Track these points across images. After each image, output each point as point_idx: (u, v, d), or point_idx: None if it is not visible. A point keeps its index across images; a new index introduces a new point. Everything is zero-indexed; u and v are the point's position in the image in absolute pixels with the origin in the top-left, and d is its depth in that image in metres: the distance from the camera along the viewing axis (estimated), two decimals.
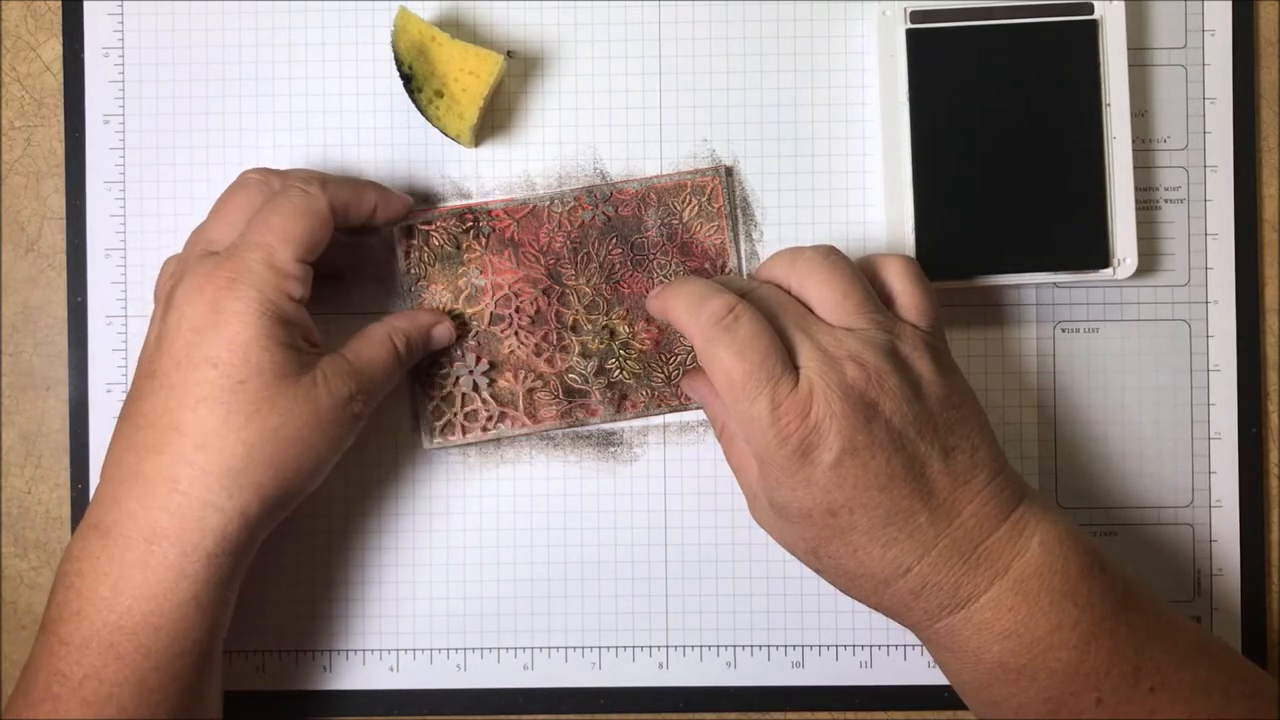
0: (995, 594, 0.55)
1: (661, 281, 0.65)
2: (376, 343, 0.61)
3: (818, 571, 0.59)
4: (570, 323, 0.65)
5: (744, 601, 0.66)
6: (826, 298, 0.58)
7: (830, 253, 0.60)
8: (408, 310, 0.65)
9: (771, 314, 0.58)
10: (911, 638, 0.66)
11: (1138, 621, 0.56)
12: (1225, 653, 0.57)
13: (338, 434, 0.58)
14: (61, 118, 0.67)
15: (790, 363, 0.56)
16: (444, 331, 0.64)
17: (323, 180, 0.60)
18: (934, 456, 0.56)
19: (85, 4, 0.66)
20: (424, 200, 0.66)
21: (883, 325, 0.57)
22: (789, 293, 0.60)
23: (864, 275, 0.59)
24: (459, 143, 0.64)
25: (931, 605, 0.56)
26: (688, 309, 0.58)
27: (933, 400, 0.56)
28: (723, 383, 0.56)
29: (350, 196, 0.60)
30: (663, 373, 0.66)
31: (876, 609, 0.58)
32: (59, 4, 0.67)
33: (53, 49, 0.67)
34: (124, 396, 0.65)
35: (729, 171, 0.66)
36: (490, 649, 0.66)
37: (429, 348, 0.64)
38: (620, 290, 0.65)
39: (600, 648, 0.66)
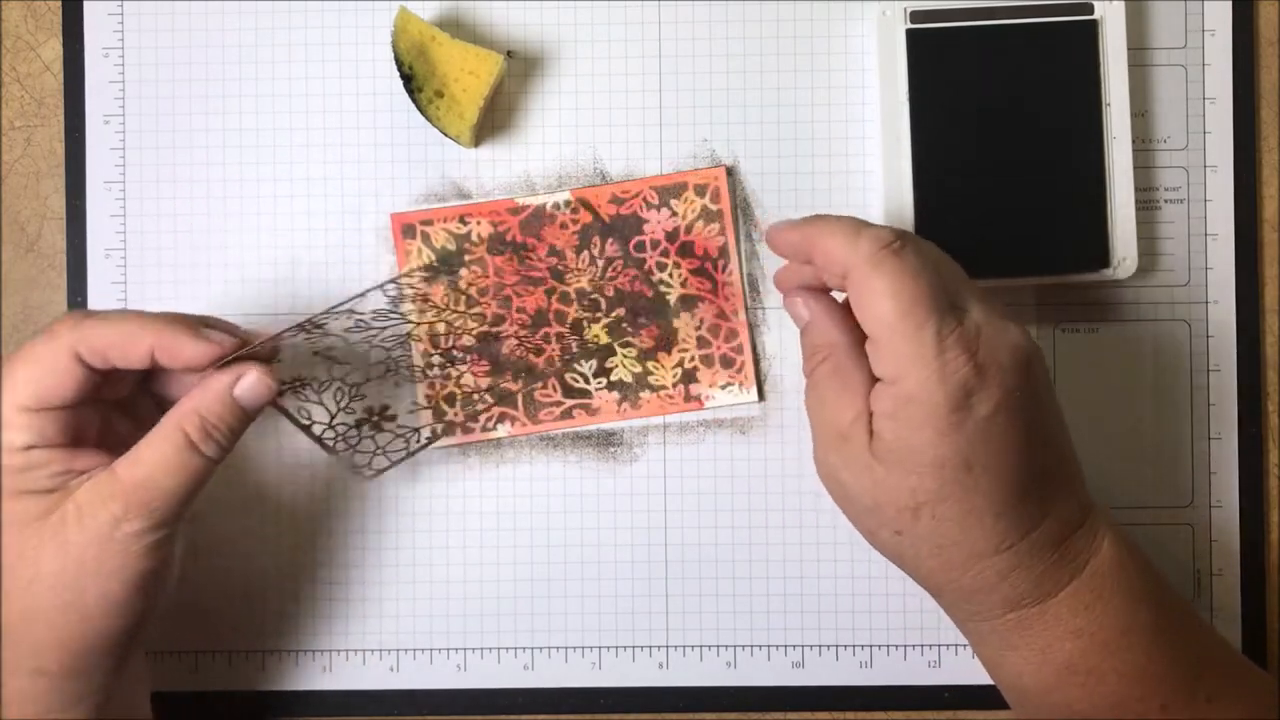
0: (1073, 589, 0.54)
1: (663, 282, 0.65)
2: (159, 439, 0.54)
3: (888, 537, 0.56)
4: (570, 322, 0.66)
5: (744, 601, 0.66)
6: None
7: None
8: (197, 387, 0.56)
9: (936, 268, 0.54)
10: (911, 638, 0.66)
11: (1194, 630, 0.56)
12: (1259, 672, 0.58)
13: (118, 565, 0.53)
14: (61, 118, 0.67)
15: (954, 304, 0.54)
16: (250, 388, 0.56)
17: (78, 321, 0.54)
18: (1049, 436, 0.55)
19: (85, 4, 0.66)
20: (424, 200, 0.66)
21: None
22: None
23: None
24: (459, 143, 0.64)
25: (1015, 591, 0.54)
26: (845, 237, 0.54)
27: (1049, 386, 0.56)
28: (884, 309, 0.53)
29: (115, 339, 0.54)
30: (664, 372, 0.66)
31: (940, 591, 0.57)
32: (59, 4, 0.67)
33: (53, 49, 0.67)
34: None
35: (729, 171, 0.66)
36: (490, 649, 0.66)
37: (242, 417, 0.56)
38: (621, 290, 0.66)
39: (600, 648, 0.66)
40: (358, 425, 0.64)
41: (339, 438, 0.62)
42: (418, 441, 0.64)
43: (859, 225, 0.54)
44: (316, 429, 0.61)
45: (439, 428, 0.65)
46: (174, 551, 0.56)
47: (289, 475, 0.66)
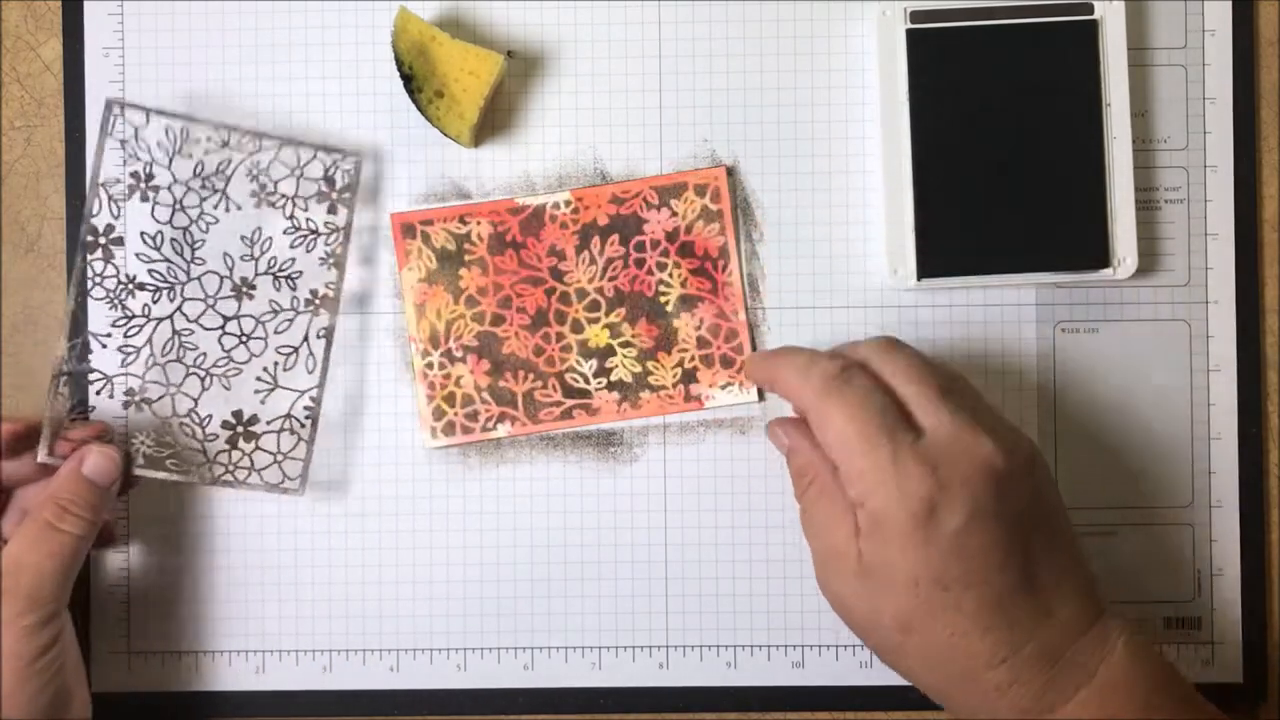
0: (1082, 699, 0.54)
1: (663, 282, 0.65)
2: (23, 530, 0.58)
3: (890, 652, 0.57)
4: (570, 322, 0.66)
5: (744, 601, 0.66)
6: (961, 382, 0.59)
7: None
8: (51, 480, 0.60)
9: (905, 375, 0.57)
10: None
11: None
12: None
13: (12, 651, 0.56)
14: (61, 118, 0.67)
15: (909, 423, 0.55)
16: (96, 465, 0.60)
17: None
18: (1042, 544, 0.55)
19: (85, 4, 0.66)
20: (424, 200, 0.66)
21: (986, 410, 0.58)
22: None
23: None
24: (459, 143, 0.64)
25: (1018, 704, 0.54)
26: (799, 372, 0.58)
27: (1041, 482, 0.56)
28: (838, 436, 0.55)
29: None
30: (664, 371, 0.66)
31: (947, 703, 0.57)
32: (59, 4, 0.67)
33: (53, 49, 0.67)
34: None
35: (729, 171, 0.66)
36: (490, 649, 0.66)
37: (97, 493, 0.60)
38: (621, 290, 0.66)
39: (600, 648, 0.66)
40: (231, 444, 0.64)
41: (230, 467, 0.64)
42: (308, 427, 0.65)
43: (811, 359, 0.58)
44: (204, 471, 0.64)
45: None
46: (64, 631, 0.59)
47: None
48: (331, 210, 0.65)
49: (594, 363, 0.66)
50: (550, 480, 0.67)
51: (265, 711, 0.66)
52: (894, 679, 0.65)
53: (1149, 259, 0.66)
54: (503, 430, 0.66)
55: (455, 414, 0.66)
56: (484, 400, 0.66)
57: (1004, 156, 0.63)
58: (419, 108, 0.63)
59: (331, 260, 0.65)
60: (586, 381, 0.66)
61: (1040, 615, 0.54)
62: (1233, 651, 0.66)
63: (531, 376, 0.66)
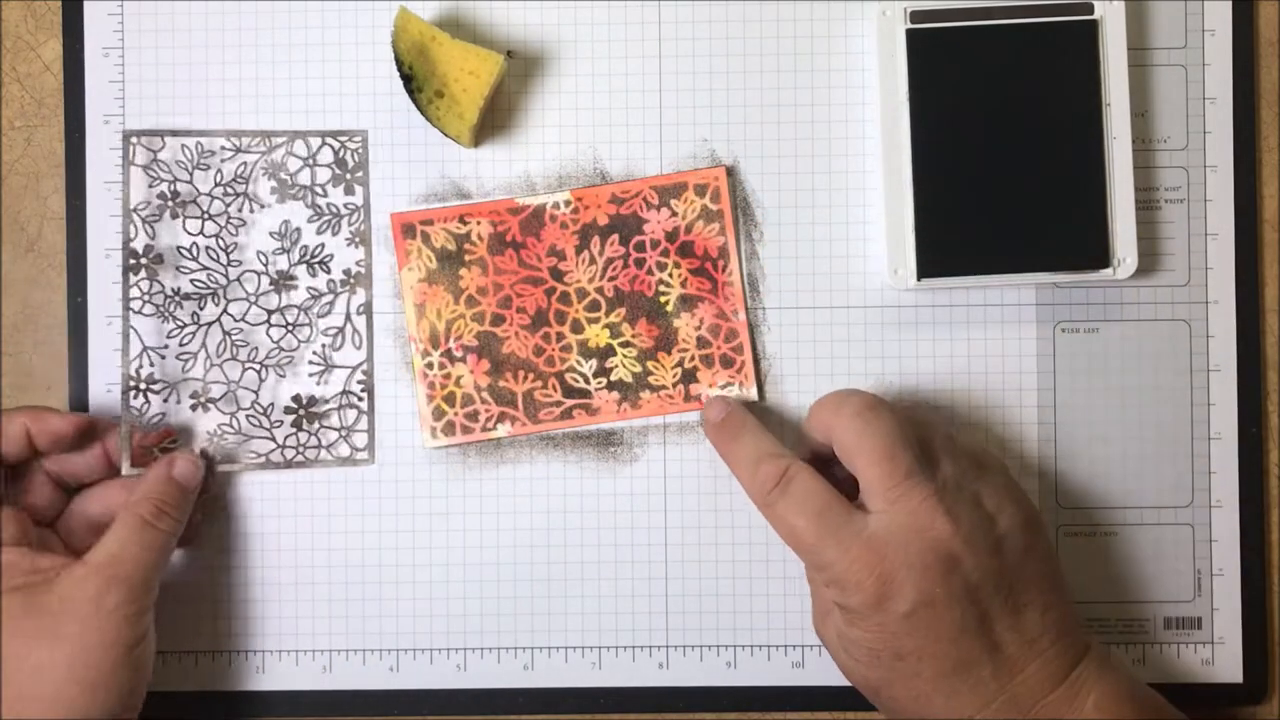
0: None
1: (663, 282, 0.65)
2: (119, 525, 0.60)
3: (871, 699, 0.60)
4: (570, 322, 0.66)
5: (744, 601, 0.66)
6: (940, 439, 0.60)
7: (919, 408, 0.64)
8: (141, 479, 0.63)
9: (872, 444, 0.58)
10: None
11: None
12: None
13: (110, 639, 0.58)
14: (61, 118, 0.67)
15: (850, 505, 0.58)
16: (183, 470, 0.63)
17: None
18: (1005, 612, 0.57)
19: (85, 4, 0.66)
20: (424, 200, 0.66)
21: (973, 476, 0.59)
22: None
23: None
24: (459, 143, 0.64)
25: None
26: (745, 473, 0.61)
27: (1013, 555, 0.57)
28: (789, 541, 0.59)
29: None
30: (664, 371, 0.66)
31: None
32: (59, 4, 0.67)
33: (53, 49, 0.67)
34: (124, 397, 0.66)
35: (729, 171, 0.66)
36: (490, 649, 0.66)
37: (183, 494, 0.63)
38: (621, 289, 0.66)
39: (600, 648, 0.66)
40: (297, 427, 0.66)
41: (300, 448, 0.66)
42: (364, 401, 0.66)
43: (755, 460, 0.60)
44: (275, 457, 0.66)
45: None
46: (151, 625, 0.61)
47: (288, 477, 0.66)
48: (349, 191, 0.66)
49: (594, 363, 0.66)
50: (550, 480, 0.67)
51: (265, 711, 0.66)
52: None
53: (1149, 259, 0.66)
54: (503, 430, 0.66)
55: (455, 414, 0.66)
56: (484, 400, 0.66)
57: (1004, 156, 0.63)
58: (419, 108, 0.63)
59: (357, 239, 0.66)
60: (586, 381, 0.66)
61: (1005, 677, 0.56)
62: (1233, 651, 0.66)
63: (531, 376, 0.66)
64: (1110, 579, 0.66)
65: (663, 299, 0.65)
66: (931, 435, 0.60)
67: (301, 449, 0.66)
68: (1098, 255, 0.64)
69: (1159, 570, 0.66)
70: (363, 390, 0.66)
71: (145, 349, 0.66)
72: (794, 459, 0.60)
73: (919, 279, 0.64)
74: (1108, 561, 0.66)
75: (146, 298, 0.66)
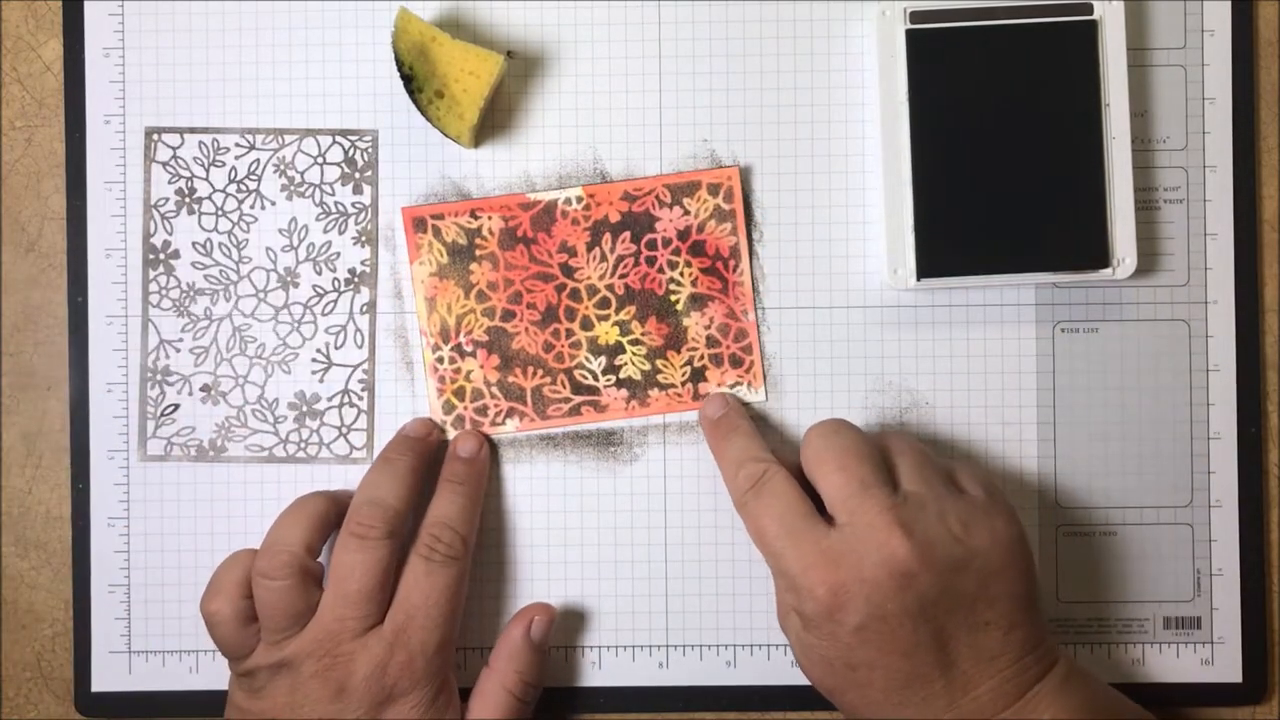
0: None
1: (674, 281, 0.65)
2: (492, 704, 0.63)
3: (829, 699, 0.60)
4: (580, 319, 0.66)
5: (744, 601, 0.66)
6: (897, 461, 0.60)
7: (905, 432, 0.64)
8: (501, 643, 0.65)
9: (840, 462, 0.59)
10: None
11: None
12: None
13: None
14: (62, 118, 0.67)
15: (818, 516, 0.58)
16: (541, 628, 0.65)
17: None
18: (963, 630, 0.57)
19: (85, 4, 0.66)
20: (425, 201, 0.66)
21: (944, 493, 0.59)
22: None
23: (933, 454, 0.62)
24: (459, 143, 0.64)
25: None
26: (728, 471, 0.62)
27: (980, 574, 0.57)
28: (757, 542, 0.60)
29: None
30: (672, 370, 0.66)
31: None
32: (59, 4, 0.67)
33: (53, 49, 0.67)
34: (124, 397, 0.66)
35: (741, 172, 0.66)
36: (490, 648, 0.66)
37: (540, 667, 0.65)
38: (631, 287, 0.66)
39: (600, 647, 0.66)
40: (298, 423, 0.67)
41: (302, 444, 0.67)
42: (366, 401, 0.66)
43: (739, 460, 0.62)
44: (279, 448, 0.67)
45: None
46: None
47: (289, 476, 0.66)
48: (357, 190, 0.66)
49: (603, 360, 0.66)
50: (550, 480, 0.66)
51: None
52: None
53: (1148, 259, 0.66)
54: (511, 425, 0.66)
55: (465, 408, 0.66)
56: (493, 395, 0.66)
57: (1003, 156, 0.63)
58: (419, 108, 0.63)
59: (364, 238, 0.66)
60: (595, 379, 0.66)
61: (957, 693, 0.56)
62: (1233, 651, 0.66)
63: (540, 372, 0.66)
64: (1110, 579, 0.66)
65: (673, 297, 0.65)
66: (902, 452, 0.60)
67: (303, 445, 0.66)
68: (1097, 255, 0.64)
69: (1158, 570, 0.66)
70: (363, 389, 0.66)
71: (162, 342, 0.66)
72: (775, 463, 0.60)
73: (919, 279, 0.64)
74: (1107, 561, 0.66)
75: (164, 292, 0.66)
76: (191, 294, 0.66)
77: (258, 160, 0.66)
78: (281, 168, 0.66)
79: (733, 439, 0.63)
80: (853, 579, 0.56)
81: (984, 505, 0.59)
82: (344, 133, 0.66)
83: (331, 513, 0.62)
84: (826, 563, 0.56)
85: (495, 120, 0.66)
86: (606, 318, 0.66)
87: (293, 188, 0.66)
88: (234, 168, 0.66)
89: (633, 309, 0.65)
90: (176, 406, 0.66)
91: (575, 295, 0.66)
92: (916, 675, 0.56)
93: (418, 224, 0.66)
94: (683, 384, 0.66)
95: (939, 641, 0.56)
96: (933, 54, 0.63)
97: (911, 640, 0.56)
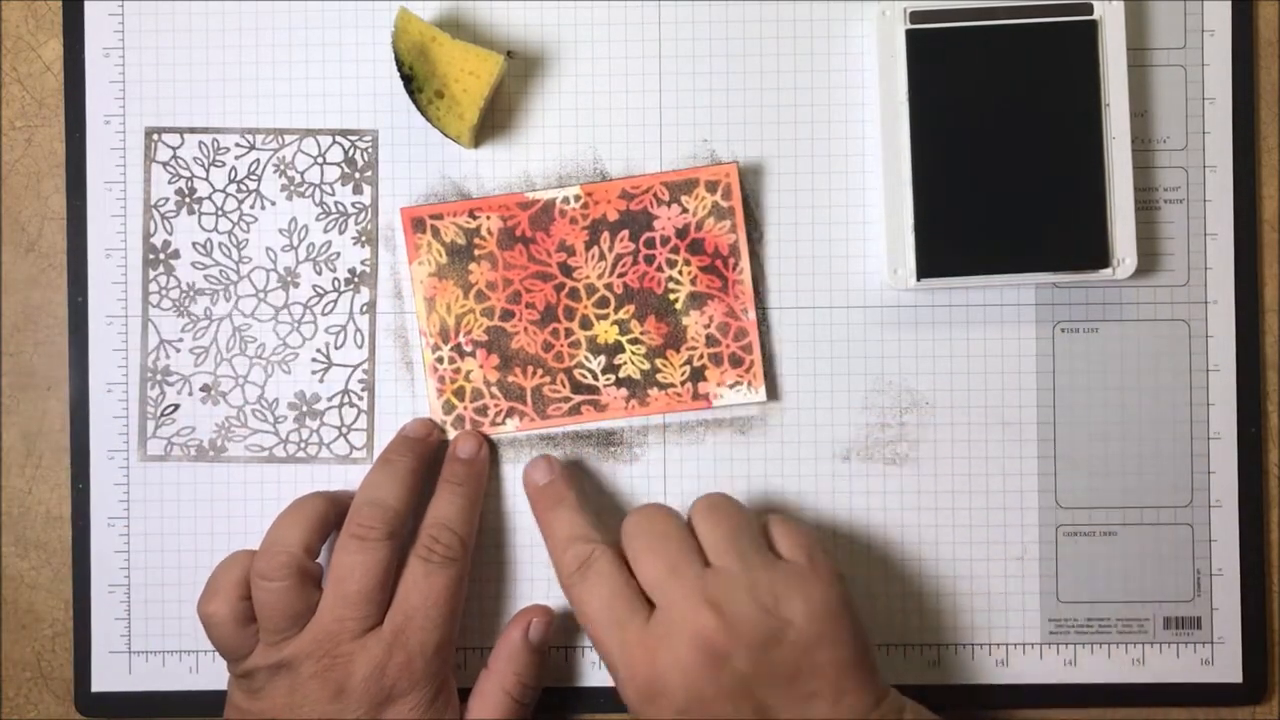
0: None
1: (673, 279, 0.65)
2: (491, 705, 0.62)
3: None
4: (579, 318, 0.66)
5: None
6: (705, 534, 0.60)
7: (719, 497, 0.62)
8: (500, 645, 0.64)
9: (648, 544, 0.59)
10: (910, 637, 0.66)
11: None
12: None
13: None
14: (62, 118, 0.67)
15: (644, 603, 0.58)
16: (540, 630, 0.64)
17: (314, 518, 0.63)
18: (787, 702, 0.56)
19: (85, 4, 0.66)
20: (425, 201, 0.66)
21: (756, 565, 0.58)
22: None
23: (749, 517, 0.61)
24: (459, 143, 0.64)
25: None
26: (555, 551, 0.62)
27: (798, 646, 0.56)
28: (581, 623, 0.60)
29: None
30: (672, 369, 0.66)
31: None
32: (59, 4, 0.67)
33: (53, 49, 0.67)
34: (124, 397, 0.66)
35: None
36: (490, 648, 0.66)
37: (538, 670, 0.64)
38: (630, 286, 0.65)
39: None
40: (298, 423, 0.67)
41: (302, 444, 0.67)
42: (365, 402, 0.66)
43: (567, 541, 0.61)
44: (279, 448, 0.67)
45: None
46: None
47: (289, 476, 0.66)
48: (357, 190, 0.66)
49: (602, 359, 0.66)
50: None
51: None
52: (893, 679, 0.66)
53: (1148, 259, 0.66)
54: (511, 425, 0.66)
55: (465, 408, 0.66)
56: (493, 395, 0.66)
57: (1003, 156, 0.63)
58: (419, 108, 0.63)
59: (364, 238, 0.66)
60: (595, 378, 0.66)
61: None
62: (1233, 651, 0.66)
63: (540, 372, 0.66)
64: (1110, 579, 0.66)
65: (672, 296, 0.65)
66: (714, 525, 0.60)
67: (303, 445, 0.66)
68: (1097, 255, 0.64)
69: (1158, 570, 0.66)
70: (363, 389, 0.66)
71: (162, 341, 0.66)
72: (601, 544, 0.60)
73: (919, 279, 0.64)
74: (1107, 561, 0.66)
75: (164, 292, 0.66)
76: (191, 294, 0.66)
77: (258, 160, 0.66)
78: (281, 168, 0.66)
79: (559, 512, 0.63)
80: (668, 664, 0.56)
81: (799, 572, 0.58)
82: (344, 133, 0.66)
83: (330, 513, 0.62)
84: (644, 650, 0.56)
85: (495, 120, 0.66)
86: (605, 317, 0.66)
87: (293, 188, 0.66)
88: (234, 168, 0.66)
89: (632, 308, 0.65)
90: (176, 406, 0.66)
91: (574, 294, 0.66)
92: None
93: (416, 224, 0.66)
94: (682, 383, 0.66)
95: (763, 717, 0.56)
96: (933, 54, 0.63)
97: (733, 719, 0.56)
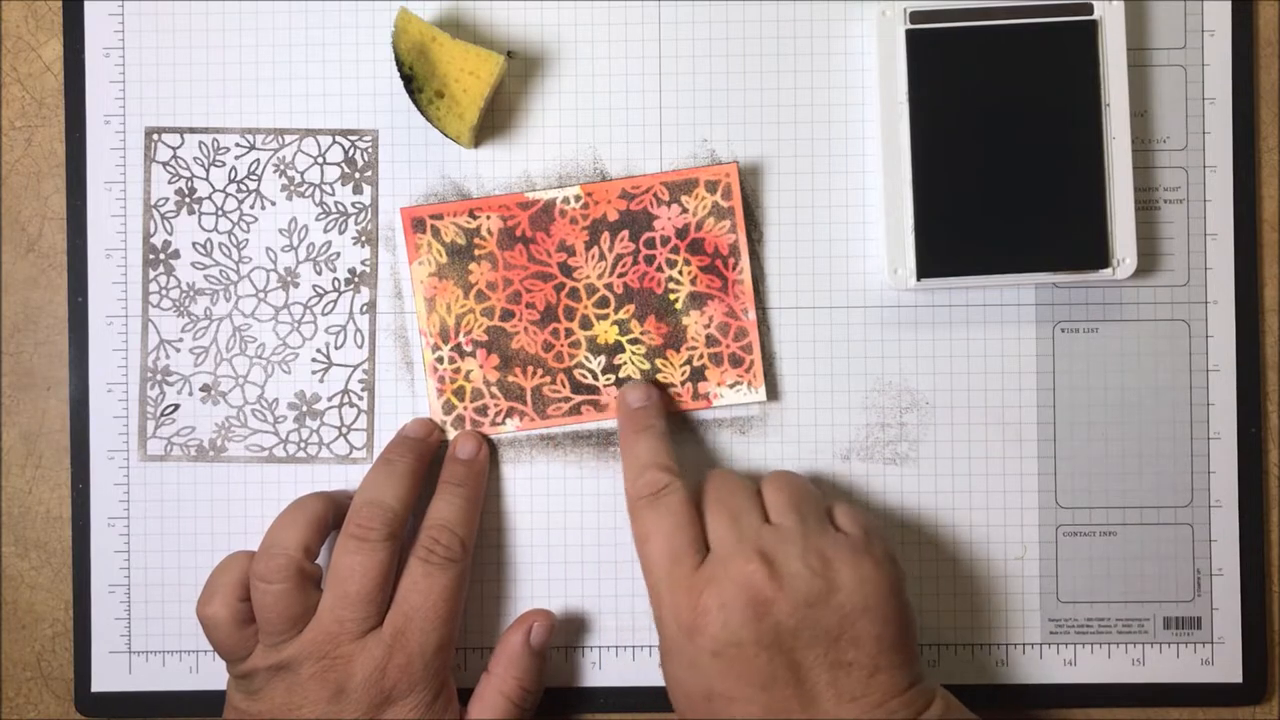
0: None
1: (673, 279, 0.65)
2: (490, 709, 0.63)
3: None
4: (579, 318, 0.66)
5: None
6: (770, 496, 0.60)
7: (789, 472, 0.63)
8: (500, 648, 0.64)
9: (717, 495, 0.60)
10: (917, 636, 0.66)
11: None
12: None
13: None
14: (62, 118, 0.67)
15: (703, 548, 0.58)
16: (540, 634, 0.64)
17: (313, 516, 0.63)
18: (822, 667, 0.56)
19: (85, 4, 0.66)
20: (425, 201, 0.66)
21: (814, 529, 0.58)
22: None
23: (816, 492, 0.62)
24: (459, 143, 0.64)
25: None
26: (632, 469, 0.62)
27: (841, 610, 0.56)
28: (641, 549, 0.60)
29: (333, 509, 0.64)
30: (672, 369, 0.66)
31: None
32: (59, 4, 0.67)
33: (53, 49, 0.67)
34: (124, 397, 0.66)
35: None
36: (490, 648, 0.66)
37: (538, 674, 0.64)
38: (630, 286, 0.65)
39: (600, 647, 0.66)
40: (298, 423, 0.67)
41: (302, 444, 0.67)
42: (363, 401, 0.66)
43: (645, 465, 0.62)
44: (279, 448, 0.67)
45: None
46: None
47: (289, 476, 0.66)
48: (357, 190, 0.66)
49: (602, 359, 0.66)
50: (550, 480, 0.66)
51: None
52: None
53: (1148, 259, 0.66)
54: (511, 425, 0.66)
55: (465, 408, 0.66)
56: (493, 395, 0.66)
57: (1003, 156, 0.63)
58: (419, 108, 0.63)
59: (364, 238, 0.66)
60: (595, 378, 0.66)
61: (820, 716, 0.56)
62: (1233, 651, 0.66)
63: (540, 372, 0.66)
64: (1110, 579, 0.66)
65: (672, 296, 0.65)
66: (780, 488, 0.61)
67: (303, 445, 0.66)
68: (1097, 255, 0.64)
69: (1158, 570, 0.66)
70: (363, 389, 0.66)
71: (162, 341, 0.66)
72: (678, 479, 0.61)
73: (919, 279, 0.64)
74: (1108, 561, 0.66)
75: (164, 292, 0.66)
76: (191, 294, 0.66)
77: (258, 160, 0.66)
78: (281, 168, 0.66)
79: (644, 437, 0.63)
80: (714, 604, 0.56)
81: (855, 544, 0.58)
82: (344, 133, 0.66)
83: (329, 514, 0.62)
84: (690, 587, 0.57)
85: (495, 120, 0.66)
86: (605, 317, 0.66)
87: (293, 188, 0.66)
88: (234, 168, 0.66)
89: (631, 308, 0.65)
90: (176, 406, 0.66)
91: (574, 294, 0.66)
92: (775, 708, 0.56)
93: (416, 224, 0.66)
94: (682, 383, 0.66)
95: (797, 676, 0.56)
96: (933, 54, 0.63)
97: (767, 672, 0.56)
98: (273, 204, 0.66)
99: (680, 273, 0.65)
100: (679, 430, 0.66)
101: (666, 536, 0.59)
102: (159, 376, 0.66)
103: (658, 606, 0.59)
